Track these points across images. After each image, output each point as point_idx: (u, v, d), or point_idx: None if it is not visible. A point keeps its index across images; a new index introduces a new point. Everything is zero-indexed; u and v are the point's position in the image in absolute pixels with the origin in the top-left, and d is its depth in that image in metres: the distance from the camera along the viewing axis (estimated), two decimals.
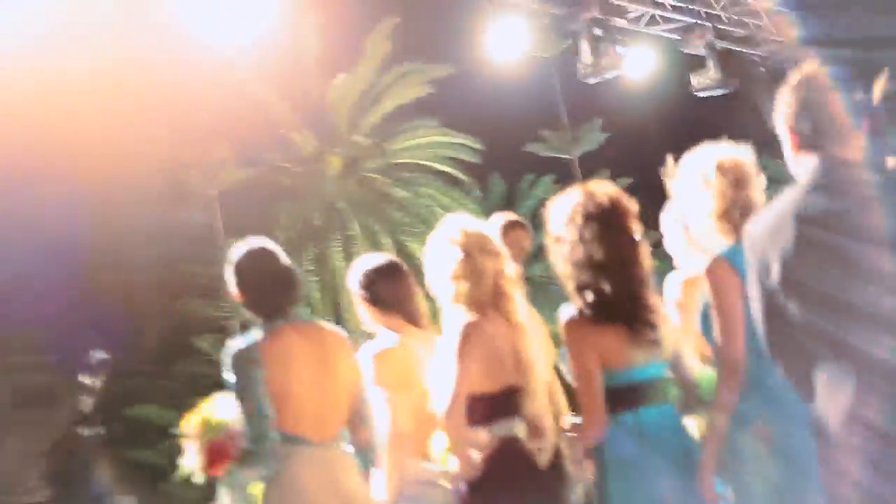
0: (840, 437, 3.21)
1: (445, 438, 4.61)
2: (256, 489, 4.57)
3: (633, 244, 4.45)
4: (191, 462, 4.60)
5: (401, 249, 24.65)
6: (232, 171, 22.75)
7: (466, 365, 4.42)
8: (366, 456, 4.74)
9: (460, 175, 25.43)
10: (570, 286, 4.44)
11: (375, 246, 24.96)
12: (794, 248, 3.31)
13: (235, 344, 4.56)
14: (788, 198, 3.41)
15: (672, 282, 5.10)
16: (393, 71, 26.00)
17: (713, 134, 4.79)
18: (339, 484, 4.54)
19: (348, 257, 24.74)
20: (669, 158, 4.92)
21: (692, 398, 4.49)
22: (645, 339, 4.39)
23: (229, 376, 4.50)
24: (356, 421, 4.74)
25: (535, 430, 4.56)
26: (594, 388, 4.30)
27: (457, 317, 4.56)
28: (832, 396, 3.26)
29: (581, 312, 4.38)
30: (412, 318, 5.23)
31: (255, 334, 4.59)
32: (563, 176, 24.07)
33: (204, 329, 21.96)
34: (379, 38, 25.41)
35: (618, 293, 4.36)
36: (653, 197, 5.92)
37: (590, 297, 4.37)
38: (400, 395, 4.96)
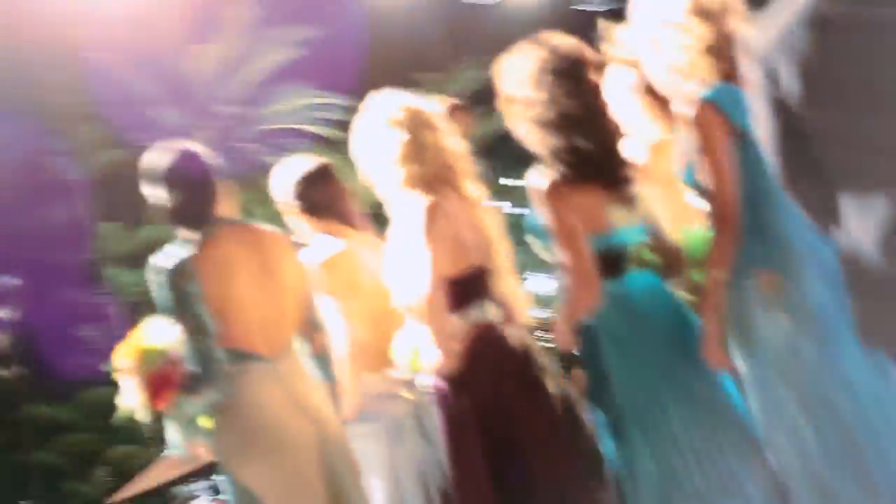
0: (877, 266, 2.79)
1: (414, 337, 4.15)
2: (206, 420, 4.03)
3: (602, 96, 4.04)
4: (130, 399, 4.01)
5: (277, 219, 23.96)
6: (99, 154, 21.77)
7: (438, 247, 3.94)
8: (326, 365, 4.20)
9: (336, 133, 24.75)
10: (539, 148, 3.99)
11: (251, 216, 24.25)
12: (812, 55, 2.89)
13: (161, 258, 3.99)
14: (790, 5, 2.99)
15: (635, 151, 4.66)
16: (252, 37, 25.23)
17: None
18: (301, 399, 3.99)
19: None
20: (602, 22, 4.48)
21: (677, 263, 4.06)
22: (623, 199, 3.98)
23: (160, 296, 3.94)
24: (308, 328, 4.19)
25: (508, 312, 4.12)
26: (584, 251, 3.85)
27: (411, 201, 4.07)
28: (865, 219, 2.84)
29: (556, 175, 3.94)
30: (350, 221, 4.74)
31: (182, 245, 4.03)
32: None
33: (86, 319, 21.00)
34: (236, 5, 24.64)
35: (594, 150, 3.94)
36: None
37: (565, 157, 3.93)
38: (352, 303, 4.48)
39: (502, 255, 4.15)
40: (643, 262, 4.01)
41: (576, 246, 3.85)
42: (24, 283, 21.48)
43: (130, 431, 22.03)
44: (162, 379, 3.91)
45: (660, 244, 4.07)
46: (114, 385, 4.15)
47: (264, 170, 20.52)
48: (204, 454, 4.12)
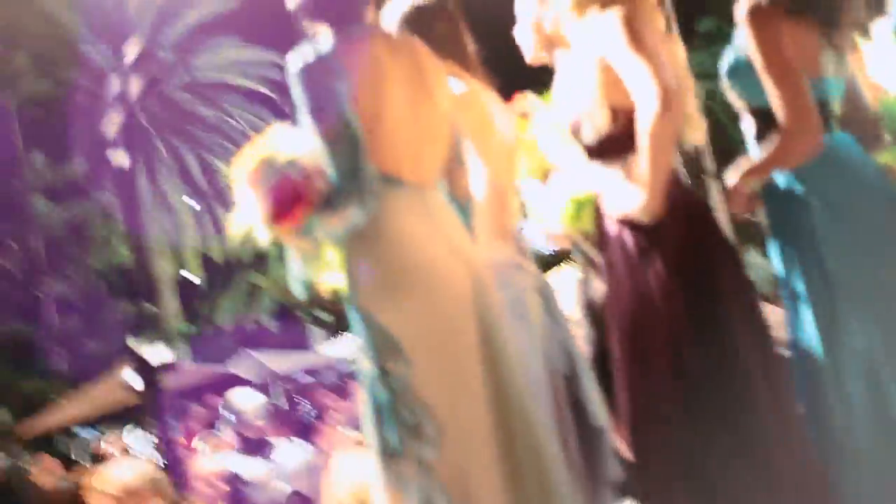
0: None
1: (579, 186, 3.45)
2: (338, 249, 3.22)
3: None
4: (249, 215, 3.18)
5: (207, 168, 23.12)
6: (30, 82, 20.58)
7: (653, 56, 3.15)
8: (466, 211, 3.45)
9: (268, 92, 23.92)
10: None
11: (180, 163, 23.35)
12: None
13: (301, 54, 3.18)
14: None
15: None
16: None
17: None
18: (453, 237, 3.21)
19: (152, 177, 23.08)
20: None
21: (875, 131, 3.41)
22: (838, 46, 3.29)
23: (300, 95, 3.12)
24: (455, 165, 3.42)
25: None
26: (802, 84, 3.11)
27: (595, 22, 3.30)
28: None
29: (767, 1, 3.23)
30: (470, 67, 3.97)
31: (327, 42, 3.23)
32: None
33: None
34: None
35: None
36: None
37: None
38: (487, 146, 3.74)
39: (693, 101, 3.42)
40: (845, 124, 3.34)
41: (792, 78, 3.13)
42: None
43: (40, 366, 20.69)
44: (290, 192, 3.07)
45: (855, 111, 3.41)
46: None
47: (195, 119, 19.47)
48: (329, 287, 3.34)
